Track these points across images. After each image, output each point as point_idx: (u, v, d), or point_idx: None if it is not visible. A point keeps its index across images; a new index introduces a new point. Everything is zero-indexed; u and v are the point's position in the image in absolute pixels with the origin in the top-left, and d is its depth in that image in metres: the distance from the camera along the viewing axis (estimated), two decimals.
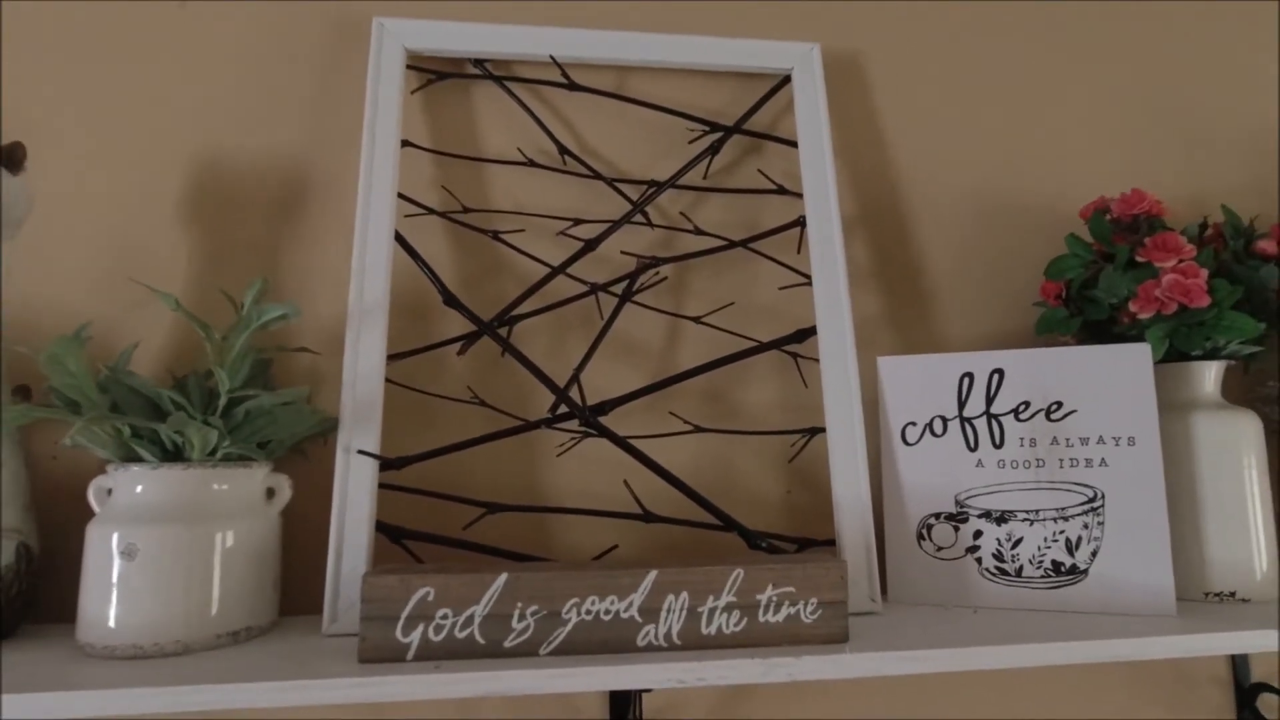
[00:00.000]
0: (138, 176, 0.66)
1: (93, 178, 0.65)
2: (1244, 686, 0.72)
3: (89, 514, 0.53)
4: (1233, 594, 0.60)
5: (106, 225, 0.65)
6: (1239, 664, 0.73)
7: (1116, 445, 0.59)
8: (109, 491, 0.53)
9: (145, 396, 0.54)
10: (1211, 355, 0.64)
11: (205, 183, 0.67)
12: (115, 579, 0.49)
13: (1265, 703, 0.71)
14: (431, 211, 0.69)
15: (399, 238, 0.65)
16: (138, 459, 0.53)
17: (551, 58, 0.70)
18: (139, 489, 0.52)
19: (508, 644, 0.48)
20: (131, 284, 0.64)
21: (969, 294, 0.76)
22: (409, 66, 0.69)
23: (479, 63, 0.71)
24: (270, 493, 0.57)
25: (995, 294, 0.76)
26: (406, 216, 0.68)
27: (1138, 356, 0.59)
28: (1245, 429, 0.63)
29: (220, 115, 0.68)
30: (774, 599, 0.50)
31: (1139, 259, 0.63)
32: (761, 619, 0.50)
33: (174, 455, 0.54)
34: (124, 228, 0.65)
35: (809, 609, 0.51)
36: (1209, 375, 0.65)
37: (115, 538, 0.50)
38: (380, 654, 0.47)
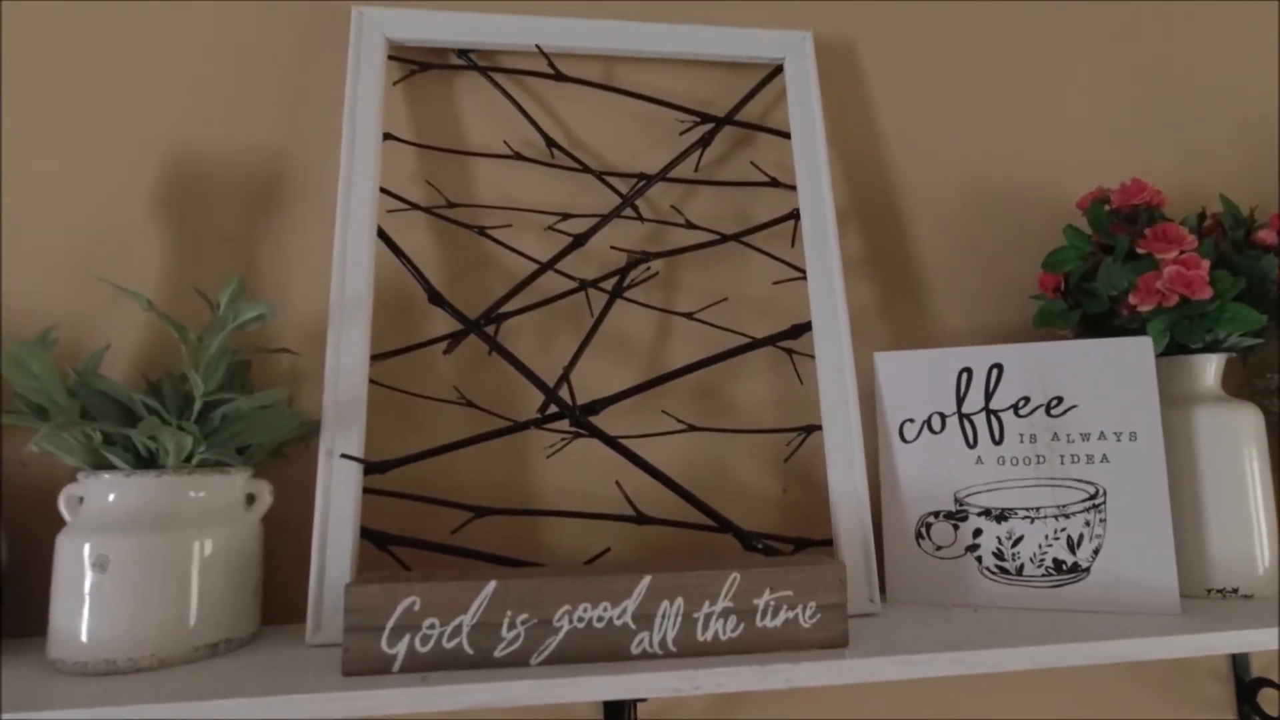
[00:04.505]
0: (108, 171, 0.63)
1: (60, 172, 0.63)
2: (1244, 681, 0.71)
3: (61, 524, 0.51)
4: (1235, 590, 0.59)
5: (75, 222, 0.62)
6: (1239, 659, 0.72)
7: (1118, 440, 0.58)
8: (80, 500, 0.51)
9: (117, 401, 0.52)
10: (1212, 348, 0.63)
11: (179, 177, 0.64)
12: (87, 592, 0.47)
13: (1266, 697, 0.70)
14: (415, 206, 0.67)
15: (381, 234, 0.63)
16: (110, 466, 0.51)
17: (538, 47, 0.68)
18: (111, 497, 0.50)
19: (498, 654, 0.46)
20: (102, 287, 0.61)
21: (964, 286, 0.74)
22: (390, 57, 0.67)
23: (463, 53, 0.69)
24: (250, 499, 0.55)
25: (990, 286, 0.75)
26: (389, 212, 0.66)
27: (1139, 350, 0.58)
28: (1246, 422, 0.62)
29: (194, 108, 0.65)
30: (771, 603, 0.49)
31: (1139, 250, 0.61)
32: (759, 624, 0.49)
33: (148, 462, 0.52)
34: (94, 224, 0.63)
35: (808, 613, 0.49)
36: (1210, 368, 0.64)
37: (87, 549, 0.48)
38: (365, 666, 0.46)
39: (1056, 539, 0.58)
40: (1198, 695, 0.72)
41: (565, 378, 0.64)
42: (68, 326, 0.60)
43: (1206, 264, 0.59)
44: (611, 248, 0.69)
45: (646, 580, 0.48)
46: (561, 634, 0.47)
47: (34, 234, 0.62)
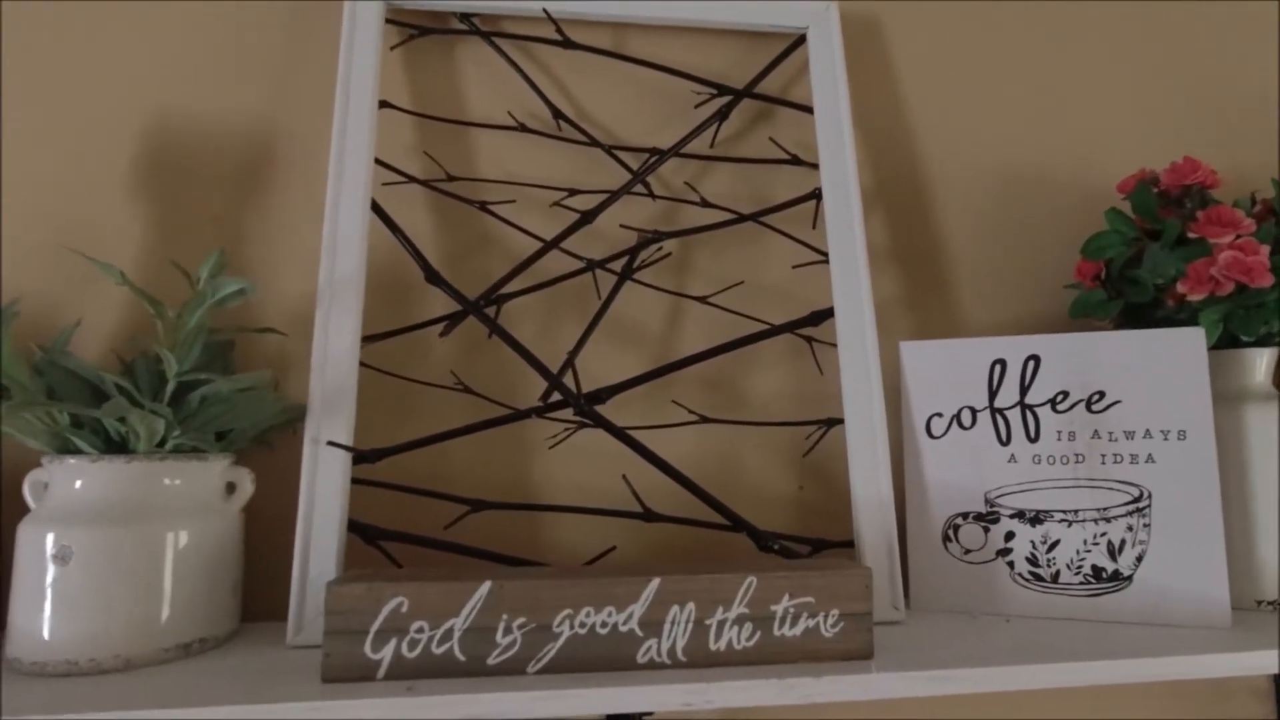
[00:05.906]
0: (85, 143, 0.59)
1: (34, 144, 0.59)
2: None
3: (27, 512, 0.48)
4: None
5: (50, 196, 0.59)
6: None
7: (1165, 439, 0.53)
8: (46, 487, 0.48)
9: (86, 381, 0.48)
10: (1265, 341, 0.59)
11: (160, 148, 0.60)
12: (48, 586, 0.44)
13: None
14: (412, 179, 0.63)
15: (376, 208, 0.59)
16: (77, 451, 0.47)
17: (545, 12, 0.64)
18: (78, 484, 0.46)
19: (491, 661, 0.43)
20: (78, 259, 0.58)
21: (994, 274, 0.70)
22: (388, 20, 0.63)
23: (465, 17, 0.65)
24: (230, 488, 0.52)
25: (1022, 274, 0.70)
26: (384, 185, 0.62)
27: (1190, 342, 0.53)
28: None
29: (177, 73, 0.61)
30: (790, 610, 0.45)
31: (1190, 235, 0.57)
32: (776, 633, 0.45)
33: (119, 447, 0.48)
34: (70, 199, 0.59)
35: (829, 622, 0.45)
36: (1261, 363, 0.59)
37: (49, 539, 0.44)
38: (347, 673, 0.42)
39: (1096, 544, 0.54)
40: (1236, 710, 0.68)
41: (570, 364, 0.60)
42: (41, 303, 0.57)
43: (1266, 249, 0.54)
44: (621, 226, 0.65)
45: (655, 583, 0.44)
46: (561, 640, 0.43)
47: (6, 207, 0.58)
